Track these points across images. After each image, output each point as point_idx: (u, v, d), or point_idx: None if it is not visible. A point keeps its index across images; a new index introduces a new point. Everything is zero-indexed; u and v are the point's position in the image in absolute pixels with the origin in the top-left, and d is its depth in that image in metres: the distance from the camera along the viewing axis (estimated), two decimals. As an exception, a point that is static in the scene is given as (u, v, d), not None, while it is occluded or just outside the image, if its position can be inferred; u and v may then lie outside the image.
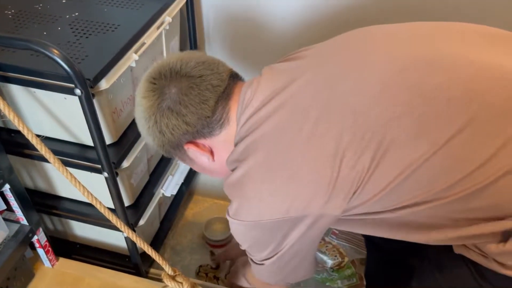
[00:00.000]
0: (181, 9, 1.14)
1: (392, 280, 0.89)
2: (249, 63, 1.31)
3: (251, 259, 0.83)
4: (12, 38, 0.78)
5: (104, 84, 0.85)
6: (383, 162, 0.61)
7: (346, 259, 1.40)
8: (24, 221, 1.05)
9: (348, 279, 1.37)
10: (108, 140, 0.93)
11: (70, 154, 0.96)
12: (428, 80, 0.62)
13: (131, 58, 0.93)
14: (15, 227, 1.05)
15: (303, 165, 0.64)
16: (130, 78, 0.98)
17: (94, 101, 0.82)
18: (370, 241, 1.16)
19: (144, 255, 1.16)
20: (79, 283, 1.15)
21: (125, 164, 0.99)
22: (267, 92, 0.68)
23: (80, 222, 1.16)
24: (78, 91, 0.78)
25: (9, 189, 0.96)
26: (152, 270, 1.28)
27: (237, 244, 0.81)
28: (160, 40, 1.08)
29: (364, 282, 1.31)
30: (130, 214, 1.08)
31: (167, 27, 1.06)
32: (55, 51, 0.74)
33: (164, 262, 1.02)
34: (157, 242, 1.36)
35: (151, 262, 1.29)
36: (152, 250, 1.01)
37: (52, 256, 1.16)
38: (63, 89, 0.82)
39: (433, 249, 0.74)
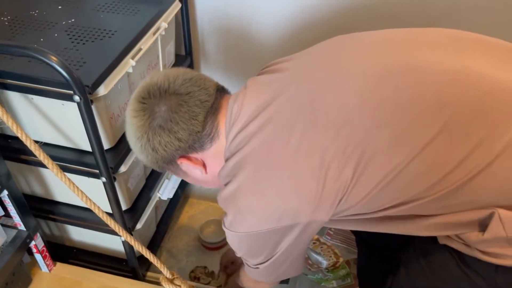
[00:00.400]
0: (176, 15, 1.15)
1: (381, 272, 0.94)
2: (243, 66, 1.32)
3: (246, 264, 0.86)
4: (10, 45, 0.78)
5: (102, 90, 0.86)
6: (365, 172, 0.66)
7: (341, 260, 1.42)
8: (21, 227, 1.05)
9: (343, 279, 1.39)
10: (105, 145, 0.93)
11: (68, 159, 0.97)
12: (402, 91, 0.66)
13: (128, 64, 0.94)
14: (13, 232, 1.05)
15: (290, 178, 0.68)
16: (127, 83, 0.98)
17: (93, 107, 0.83)
18: (360, 237, 1.21)
19: (141, 258, 1.17)
20: (77, 287, 1.15)
21: (123, 168, 1.00)
22: (253, 107, 0.71)
23: (77, 227, 1.17)
24: (77, 98, 0.78)
25: (7, 195, 0.97)
26: (149, 274, 1.29)
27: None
28: (156, 45, 1.09)
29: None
30: (128, 218, 1.08)
31: (163, 33, 1.07)
32: (54, 58, 0.74)
33: (162, 265, 1.03)
34: (154, 245, 1.37)
35: (148, 265, 1.30)
36: (150, 253, 1.02)
37: (49, 261, 1.17)
38: (61, 96, 0.83)
39: (419, 241, 0.79)
